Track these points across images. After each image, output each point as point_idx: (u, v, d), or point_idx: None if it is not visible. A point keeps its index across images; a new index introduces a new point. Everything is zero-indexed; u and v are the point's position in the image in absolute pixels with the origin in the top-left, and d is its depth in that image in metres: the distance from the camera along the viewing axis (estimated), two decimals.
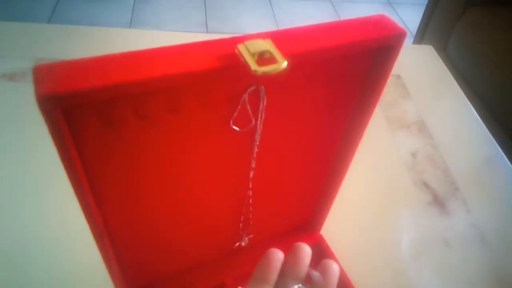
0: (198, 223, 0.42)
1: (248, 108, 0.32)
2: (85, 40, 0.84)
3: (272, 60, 0.26)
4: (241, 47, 0.27)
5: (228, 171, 0.38)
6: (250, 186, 0.40)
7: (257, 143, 0.36)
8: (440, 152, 0.73)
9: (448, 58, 1.43)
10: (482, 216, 0.64)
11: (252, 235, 0.48)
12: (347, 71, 0.35)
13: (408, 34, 1.05)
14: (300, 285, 0.29)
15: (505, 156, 0.74)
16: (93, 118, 0.27)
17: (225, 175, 0.38)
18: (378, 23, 0.32)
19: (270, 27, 2.18)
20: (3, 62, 0.76)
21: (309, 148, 0.42)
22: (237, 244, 0.48)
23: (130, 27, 2.03)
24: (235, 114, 0.32)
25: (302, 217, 0.53)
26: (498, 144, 0.76)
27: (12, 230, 0.53)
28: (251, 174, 0.39)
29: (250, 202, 0.43)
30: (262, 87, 0.31)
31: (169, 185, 0.35)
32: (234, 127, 0.33)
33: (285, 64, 0.26)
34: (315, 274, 0.30)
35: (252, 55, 0.26)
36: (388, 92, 0.84)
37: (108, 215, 0.34)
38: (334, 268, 0.31)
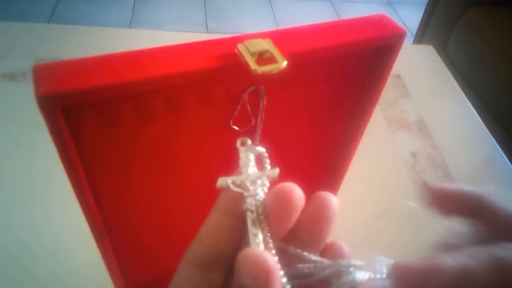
0: (198, 223, 0.42)
1: (248, 107, 0.32)
2: (85, 40, 0.84)
3: (272, 59, 0.26)
4: (241, 47, 0.27)
5: (228, 171, 0.38)
6: None
7: (257, 143, 0.36)
8: (440, 152, 0.73)
9: (448, 58, 1.42)
10: None
11: None
12: (347, 71, 0.35)
13: (408, 34, 1.05)
14: None
15: (505, 156, 0.74)
16: (93, 118, 0.27)
17: (225, 175, 0.38)
18: (378, 23, 0.32)
19: (270, 27, 2.18)
20: (3, 62, 0.75)
21: (309, 148, 0.42)
22: None
23: (130, 27, 2.03)
24: (235, 113, 0.32)
25: None
26: (498, 144, 0.76)
27: (11, 230, 0.53)
28: None
29: None
30: (262, 86, 0.31)
31: (169, 184, 0.35)
32: (234, 127, 0.33)
33: (285, 63, 0.26)
34: None
35: (252, 55, 0.26)
36: (388, 92, 0.84)
37: (108, 215, 0.34)
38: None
